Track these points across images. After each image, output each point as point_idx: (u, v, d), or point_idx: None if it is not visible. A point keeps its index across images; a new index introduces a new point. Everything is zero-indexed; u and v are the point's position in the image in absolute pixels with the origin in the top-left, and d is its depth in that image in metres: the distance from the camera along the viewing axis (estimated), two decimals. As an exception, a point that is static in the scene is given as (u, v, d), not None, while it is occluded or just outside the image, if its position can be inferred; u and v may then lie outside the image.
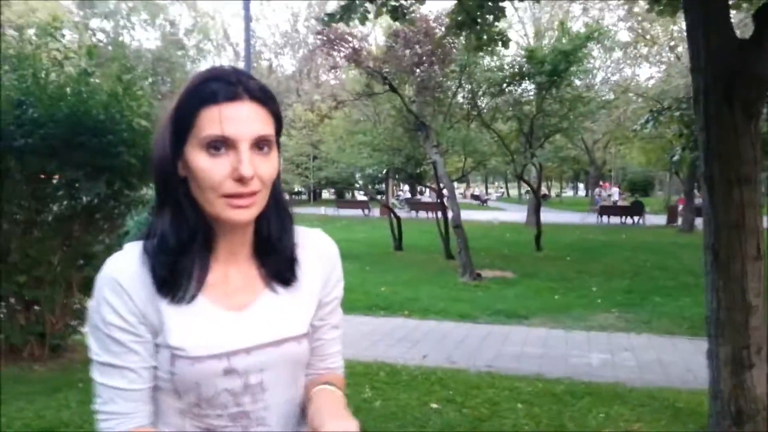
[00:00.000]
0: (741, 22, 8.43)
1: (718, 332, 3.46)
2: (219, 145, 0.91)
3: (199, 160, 0.91)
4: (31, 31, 5.56)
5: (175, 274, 0.95)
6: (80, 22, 25.48)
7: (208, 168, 0.91)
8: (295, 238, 1.07)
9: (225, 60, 35.34)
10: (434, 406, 4.45)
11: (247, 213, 0.94)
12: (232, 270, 1.02)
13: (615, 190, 35.48)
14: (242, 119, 0.91)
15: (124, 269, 0.95)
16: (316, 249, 1.11)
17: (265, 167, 0.94)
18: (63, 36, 5.97)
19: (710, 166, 3.40)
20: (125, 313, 0.94)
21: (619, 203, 30.67)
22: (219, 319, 0.98)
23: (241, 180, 0.90)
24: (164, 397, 0.99)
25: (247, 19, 8.94)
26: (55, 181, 5.28)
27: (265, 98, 0.95)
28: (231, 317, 0.99)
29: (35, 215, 5.17)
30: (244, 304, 1.01)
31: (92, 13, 28.71)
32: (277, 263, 1.04)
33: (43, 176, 5.19)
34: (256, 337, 1.00)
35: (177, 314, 0.96)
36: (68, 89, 4.95)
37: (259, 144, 0.93)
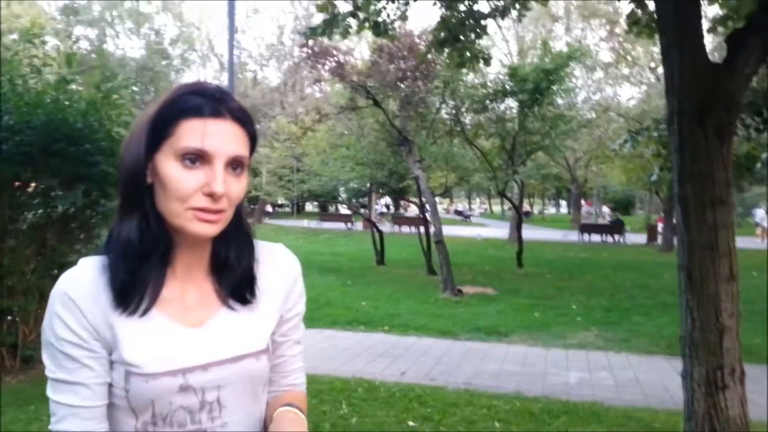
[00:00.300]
0: (718, 45, 8.59)
1: (692, 353, 3.48)
2: (195, 158, 0.90)
3: (171, 169, 0.90)
4: (12, 37, 5.48)
5: (133, 283, 0.93)
6: (63, 29, 25.31)
7: (180, 179, 0.90)
8: (255, 254, 1.06)
9: (210, 70, 35.26)
10: (411, 423, 4.42)
11: (212, 228, 0.93)
12: (190, 286, 1.00)
13: (606, 210, 35.62)
14: (222, 136, 0.91)
15: (77, 284, 0.94)
16: (277, 264, 1.10)
17: (235, 187, 0.94)
18: (45, 43, 5.91)
19: (683, 188, 3.43)
20: (77, 328, 0.92)
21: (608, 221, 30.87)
22: (175, 334, 0.96)
23: (211, 196, 0.90)
24: (120, 415, 0.96)
25: (231, 30, 8.93)
26: (30, 189, 5.21)
27: (245, 119, 0.96)
28: (187, 333, 0.97)
29: (9, 223, 5.08)
30: (201, 320, 0.99)
31: (76, 20, 28.52)
32: (234, 282, 1.02)
33: (18, 184, 5.12)
34: (213, 353, 0.97)
35: (131, 329, 0.93)
36: (46, 96, 4.88)
37: (234, 164, 0.93)
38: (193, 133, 0.90)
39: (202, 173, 0.90)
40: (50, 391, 0.94)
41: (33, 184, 5.17)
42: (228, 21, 8.98)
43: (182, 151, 0.90)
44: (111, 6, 27.62)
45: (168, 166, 0.91)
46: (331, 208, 39.16)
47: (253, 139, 0.98)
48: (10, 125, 4.61)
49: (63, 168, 4.88)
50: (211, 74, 35.19)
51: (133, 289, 0.93)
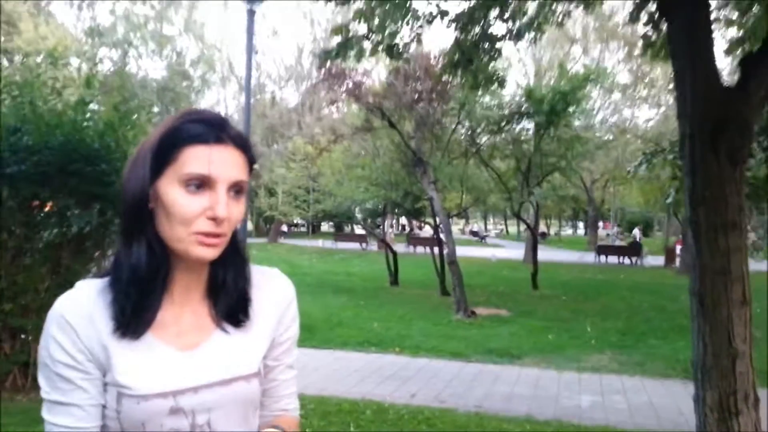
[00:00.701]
0: (734, 69, 8.53)
1: (704, 378, 3.42)
2: (199, 183, 0.93)
3: (176, 194, 0.93)
4: (39, 59, 5.62)
5: (134, 308, 0.95)
6: (88, 51, 25.86)
7: (184, 204, 0.93)
8: (250, 278, 1.08)
9: (230, 91, 35.67)
10: (419, 446, 4.38)
11: (213, 251, 0.96)
12: (186, 309, 1.02)
13: (636, 232, 35.00)
14: (225, 162, 0.94)
15: (72, 306, 0.96)
16: (271, 288, 1.11)
17: (235, 211, 0.96)
18: (67, 64, 6.05)
19: (695, 212, 3.40)
20: (72, 350, 0.94)
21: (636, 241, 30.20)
22: (167, 357, 0.98)
23: (214, 219, 0.93)
24: None
25: (250, 52, 9.07)
26: (47, 209, 5.29)
27: (245, 145, 0.99)
28: (179, 356, 0.99)
29: (25, 242, 5.16)
30: (194, 343, 1.01)
31: (101, 42, 29.15)
32: (229, 304, 1.04)
33: (35, 203, 5.21)
34: (204, 376, 0.99)
35: (124, 352, 0.95)
36: (65, 117, 4.99)
37: (234, 188, 0.96)
38: (197, 159, 0.92)
39: (205, 198, 0.93)
40: (45, 412, 0.96)
41: (49, 204, 5.26)
42: (246, 42, 9.13)
43: (186, 177, 0.92)
44: (134, 28, 28.19)
45: (172, 191, 0.93)
46: (347, 229, 39.23)
47: (251, 164, 1.01)
48: (29, 145, 4.70)
49: (80, 188, 4.95)
50: (231, 95, 35.67)
51: (133, 313, 0.95)
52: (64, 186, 4.97)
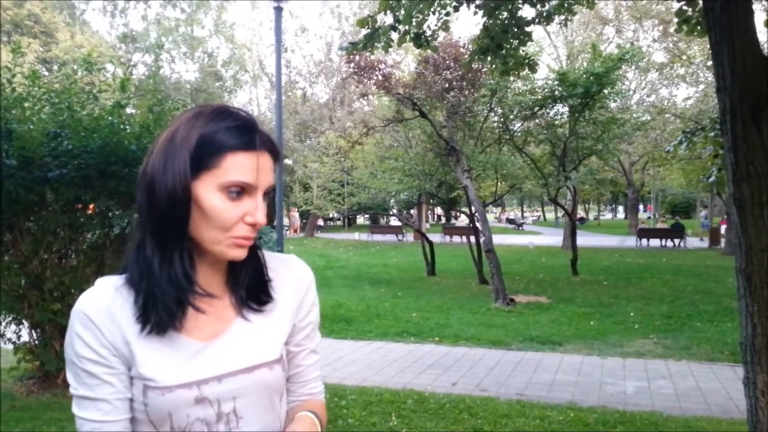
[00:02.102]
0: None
1: (753, 360, 3.32)
2: (240, 190, 0.95)
3: (216, 200, 0.94)
4: (75, 67, 5.77)
5: (176, 305, 0.97)
6: (123, 56, 26.43)
7: (225, 210, 0.95)
8: (264, 260, 1.09)
9: (261, 89, 36.09)
10: (461, 435, 4.36)
11: (245, 252, 1.00)
12: (206, 301, 1.03)
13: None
14: (263, 169, 0.97)
15: (94, 303, 0.97)
16: (289, 274, 1.12)
17: (266, 213, 0.99)
18: (101, 69, 6.18)
19: (739, 188, 3.29)
20: (96, 346, 0.96)
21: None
22: (189, 349, 0.99)
23: (254, 225, 0.96)
24: (141, 428, 1.00)
25: (278, 50, 9.12)
26: (89, 211, 5.44)
27: (275, 150, 1.01)
28: (201, 347, 1.00)
29: (70, 244, 5.31)
30: (216, 333, 1.02)
31: (134, 47, 29.77)
32: (249, 288, 1.06)
33: (79, 206, 5.35)
34: (227, 364, 1.00)
35: (147, 346, 0.97)
36: (102, 121, 5.10)
37: (267, 192, 0.99)
38: (242, 168, 0.94)
39: (244, 204, 0.96)
40: (75, 408, 0.98)
41: (91, 206, 5.40)
42: (275, 40, 9.19)
43: (229, 184, 0.94)
44: (166, 32, 28.69)
45: (212, 197, 0.94)
46: (382, 221, 39.30)
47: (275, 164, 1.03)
48: (69, 150, 4.83)
49: (119, 189, 5.08)
50: (263, 93, 36.09)
51: (167, 315, 0.97)
52: (104, 188, 5.10)
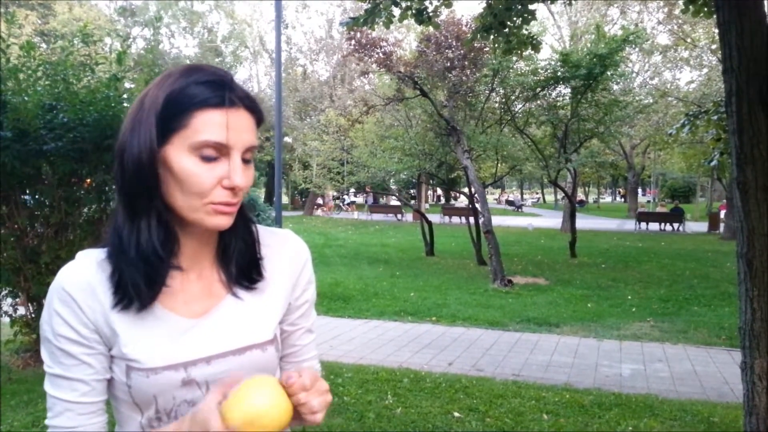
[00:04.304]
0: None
1: (752, 345, 3.31)
2: (214, 151, 0.87)
3: (188, 163, 0.87)
4: (72, 39, 5.68)
5: (146, 281, 0.90)
6: (121, 30, 26.15)
7: (198, 173, 0.87)
8: (258, 237, 1.03)
9: (261, 66, 35.82)
10: (457, 414, 4.37)
11: (229, 219, 0.91)
12: (193, 276, 0.98)
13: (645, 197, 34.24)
14: (239, 128, 0.88)
15: (75, 279, 0.91)
16: (283, 250, 1.06)
17: (248, 177, 0.91)
18: (96, 42, 6.07)
19: (743, 172, 3.25)
20: (76, 325, 0.90)
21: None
22: (176, 327, 0.94)
23: (232, 189, 0.88)
24: (125, 410, 0.95)
25: (278, 26, 8.99)
26: (86, 185, 5.39)
27: (254, 107, 0.92)
28: (189, 325, 0.94)
29: (66, 218, 5.27)
30: (204, 310, 0.97)
31: (133, 21, 29.44)
32: (240, 265, 0.99)
33: (74, 180, 5.30)
34: (217, 345, 0.95)
35: (130, 324, 0.91)
36: (98, 94, 5.03)
37: (246, 153, 0.90)
38: (213, 126, 0.86)
39: (220, 166, 0.87)
40: (48, 386, 0.92)
41: (88, 180, 5.35)
42: (275, 16, 9.07)
43: (200, 145, 0.86)
44: (165, 6, 28.35)
45: (183, 160, 0.87)
46: (382, 200, 39.27)
47: (259, 125, 0.94)
48: (65, 122, 4.77)
49: (114, 162, 5.03)
50: (263, 70, 35.82)
51: (142, 286, 0.90)
52: (100, 162, 5.05)
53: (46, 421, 0.94)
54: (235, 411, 0.80)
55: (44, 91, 4.99)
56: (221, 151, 0.87)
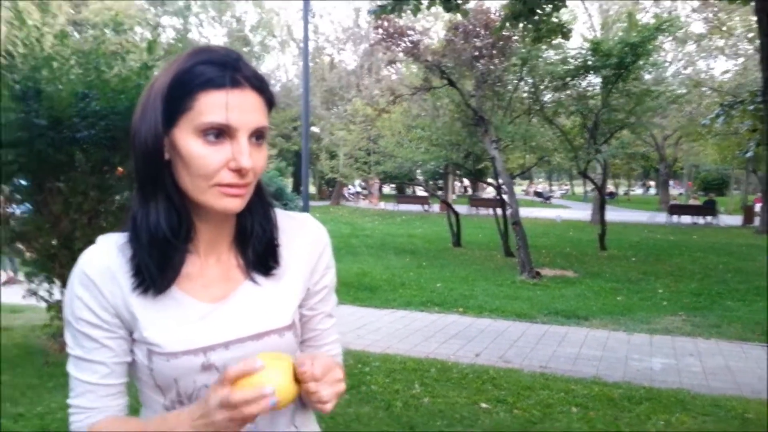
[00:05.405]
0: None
1: (790, 339, 3.22)
2: (218, 132, 0.86)
3: (193, 146, 0.86)
4: (103, 28, 5.75)
5: (158, 265, 0.91)
6: (151, 19, 26.48)
7: (204, 155, 0.86)
8: (276, 222, 1.02)
9: (288, 56, 35.91)
10: (484, 405, 4.35)
11: (240, 202, 0.90)
12: (211, 260, 0.98)
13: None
14: (245, 108, 0.87)
15: (95, 263, 0.93)
16: (302, 235, 1.05)
17: (259, 159, 0.90)
18: (126, 31, 6.13)
19: (784, 161, 3.15)
20: (96, 308, 0.91)
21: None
22: (195, 312, 0.94)
23: (239, 171, 0.87)
24: (149, 392, 0.96)
25: (306, 15, 8.99)
26: (118, 173, 5.47)
27: (263, 87, 0.91)
28: (208, 310, 0.95)
29: (99, 205, 5.36)
30: (223, 295, 0.97)
31: (164, 11, 29.76)
32: (257, 251, 0.99)
33: (106, 168, 5.38)
34: (235, 330, 0.95)
35: (150, 308, 0.92)
36: (129, 83, 5.09)
37: (256, 134, 0.89)
38: (214, 106, 0.85)
39: (226, 148, 0.87)
40: (70, 367, 0.95)
41: (120, 169, 5.43)
42: (303, 5, 9.06)
43: (204, 127, 0.85)
44: (195, -5, 28.60)
45: (189, 142, 0.86)
46: (409, 191, 39.22)
47: (270, 106, 0.93)
48: (96, 111, 4.83)
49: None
50: (290, 60, 35.88)
51: (156, 271, 0.91)
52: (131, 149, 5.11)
53: (68, 401, 0.96)
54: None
55: (77, 80, 5.06)
56: (226, 132, 0.86)
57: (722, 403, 4.50)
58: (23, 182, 5.33)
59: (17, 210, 5.40)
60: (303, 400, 1.01)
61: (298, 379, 0.86)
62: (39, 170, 5.01)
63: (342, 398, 1.01)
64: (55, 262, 5.35)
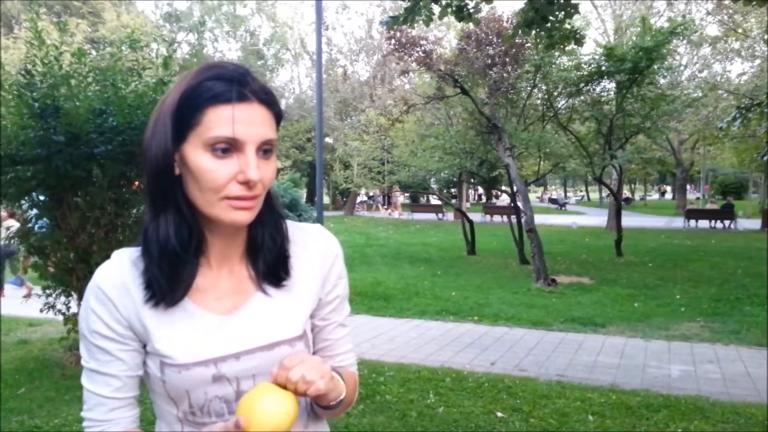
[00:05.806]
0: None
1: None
2: (226, 146, 0.88)
3: (202, 160, 0.88)
4: (120, 46, 5.85)
5: (168, 278, 0.93)
6: (166, 35, 26.84)
7: (212, 169, 0.88)
8: (287, 234, 1.04)
9: (302, 68, 36.19)
10: (499, 414, 4.33)
11: (249, 215, 0.92)
12: (224, 273, 1.00)
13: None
14: (252, 122, 0.89)
15: (109, 277, 0.95)
16: (313, 246, 1.07)
17: (267, 171, 0.92)
18: (143, 47, 6.24)
19: (799, 164, 3.12)
20: (110, 322, 0.94)
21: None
22: (206, 324, 0.96)
23: (247, 183, 0.89)
24: (162, 403, 0.99)
25: (319, 28, 9.07)
26: (134, 187, 5.55)
27: (270, 100, 0.93)
28: (219, 321, 0.97)
29: (116, 219, 5.44)
30: (234, 307, 0.99)
31: (179, 27, 30.18)
32: (268, 263, 1.01)
33: (123, 182, 5.46)
34: (246, 341, 0.97)
35: (163, 321, 0.95)
36: (145, 98, 5.17)
37: (264, 148, 0.91)
38: (221, 120, 0.87)
39: (234, 161, 0.88)
40: (84, 380, 0.97)
41: (136, 183, 5.51)
42: (316, 18, 9.15)
43: (212, 141, 0.87)
44: (209, 11, 28.96)
45: (198, 157, 0.88)
46: (422, 200, 39.19)
47: (278, 119, 0.95)
48: (114, 126, 4.92)
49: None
50: (304, 72, 36.17)
51: (167, 284, 0.93)
52: (148, 164, 5.18)
53: (81, 414, 0.98)
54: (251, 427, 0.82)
55: (94, 96, 5.15)
56: (234, 146, 0.88)
57: (742, 410, 4.43)
58: (42, 197, 5.43)
59: (36, 226, 5.49)
60: (314, 408, 1.04)
61: (286, 388, 0.86)
62: (57, 186, 5.10)
63: (356, 408, 1.02)
64: (73, 276, 5.44)
